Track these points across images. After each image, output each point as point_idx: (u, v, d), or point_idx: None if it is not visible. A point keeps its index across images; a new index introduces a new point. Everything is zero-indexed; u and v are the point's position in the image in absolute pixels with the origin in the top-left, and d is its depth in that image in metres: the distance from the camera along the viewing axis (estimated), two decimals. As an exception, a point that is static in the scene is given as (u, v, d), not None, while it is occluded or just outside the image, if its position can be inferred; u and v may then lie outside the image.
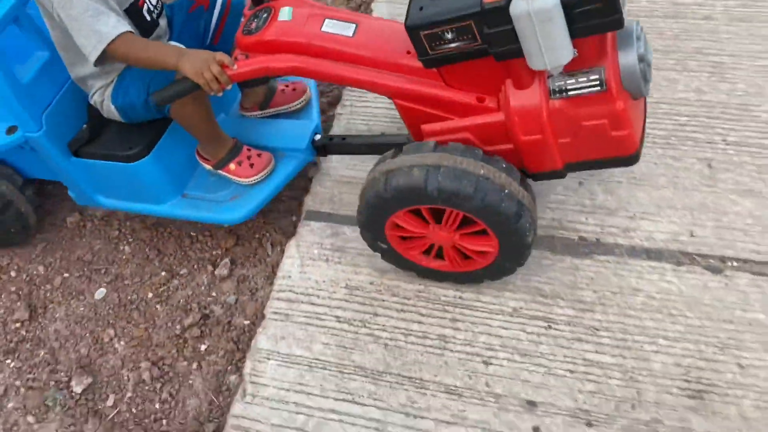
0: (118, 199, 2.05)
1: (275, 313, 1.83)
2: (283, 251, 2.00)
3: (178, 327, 1.99)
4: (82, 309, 2.10)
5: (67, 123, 1.93)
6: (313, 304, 1.83)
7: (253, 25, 1.64)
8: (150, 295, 2.09)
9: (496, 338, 1.70)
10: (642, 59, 1.41)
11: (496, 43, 1.37)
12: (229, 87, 1.59)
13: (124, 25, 1.61)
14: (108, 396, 1.90)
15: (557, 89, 1.44)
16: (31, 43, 1.86)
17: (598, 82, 1.40)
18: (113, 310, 2.08)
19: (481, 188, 1.47)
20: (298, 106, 2.09)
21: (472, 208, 1.51)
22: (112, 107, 1.84)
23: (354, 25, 1.62)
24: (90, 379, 1.93)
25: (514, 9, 1.28)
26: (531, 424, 1.57)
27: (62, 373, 1.97)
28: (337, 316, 1.80)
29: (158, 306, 2.05)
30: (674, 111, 2.05)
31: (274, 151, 1.95)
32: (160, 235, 2.20)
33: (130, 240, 2.23)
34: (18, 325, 2.10)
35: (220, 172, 1.96)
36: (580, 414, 1.57)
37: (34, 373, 1.99)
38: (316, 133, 1.94)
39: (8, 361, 2.03)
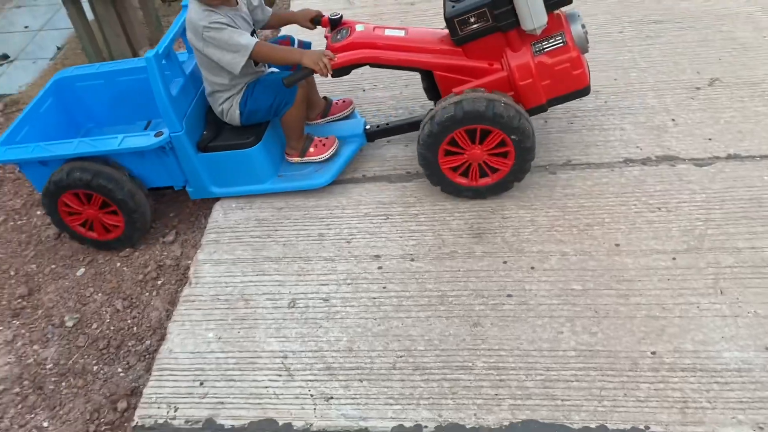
0: (230, 186, 2.78)
1: (208, 241, 2.70)
2: (212, 217, 2.89)
3: (140, 276, 2.80)
4: (67, 283, 2.87)
5: (195, 128, 2.70)
6: (233, 232, 2.72)
7: (339, 36, 2.54)
8: (118, 264, 2.89)
9: (354, 229, 2.62)
10: (583, 27, 2.41)
11: (502, 18, 2.32)
12: (331, 72, 2.45)
13: (255, 38, 2.51)
14: (92, 324, 2.66)
15: (538, 49, 2.39)
16: (172, 71, 2.67)
17: (561, 40, 2.37)
18: (91, 278, 2.87)
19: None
20: (348, 113, 3.02)
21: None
22: (237, 112, 2.65)
23: (404, 31, 2.57)
24: (78, 316, 2.68)
25: None
26: (377, 265, 2.46)
27: (56, 318, 2.71)
28: (250, 235, 2.68)
29: (125, 268, 2.86)
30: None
31: (339, 138, 2.82)
32: (123, 229, 3.05)
33: (101, 237, 3.06)
34: (20, 299, 2.84)
35: (304, 159, 2.79)
36: (407, 256, 2.47)
37: (35, 324, 2.72)
38: (366, 125, 2.85)
39: (14, 321, 2.76)
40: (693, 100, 2.97)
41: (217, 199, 2.91)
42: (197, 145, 2.71)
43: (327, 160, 2.78)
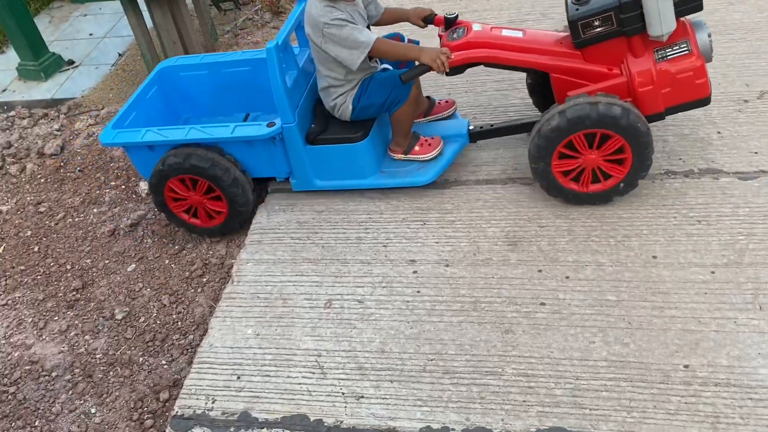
0: (333, 179, 2.80)
1: (251, 241, 2.80)
2: (256, 217, 2.99)
3: (187, 273, 2.92)
4: (119, 278, 3.02)
5: (304, 120, 2.73)
6: (275, 233, 2.81)
7: (455, 35, 2.54)
8: (167, 261, 3.03)
9: (391, 233, 2.67)
10: (709, 36, 2.36)
11: (628, 23, 2.28)
12: (449, 69, 2.48)
13: (374, 35, 2.52)
14: (140, 317, 2.79)
15: (661, 56, 2.35)
16: (287, 64, 2.69)
17: (686, 47, 2.33)
18: (141, 274, 3.00)
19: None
20: (450, 113, 3.02)
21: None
22: (350, 107, 2.67)
23: (521, 32, 2.55)
24: (127, 309, 2.82)
25: None
26: (412, 270, 2.50)
27: (107, 311, 2.85)
28: (291, 237, 2.77)
29: (173, 265, 2.99)
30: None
31: (442, 138, 2.82)
32: (173, 229, 3.18)
33: (151, 236, 3.20)
34: (75, 292, 3.00)
35: (408, 156, 2.80)
36: (442, 261, 2.51)
37: (88, 316, 2.87)
38: (469, 125, 2.84)
39: (68, 312, 2.91)
40: (740, 113, 2.92)
41: (262, 200, 3.01)
42: (305, 138, 2.75)
43: (430, 160, 2.81)
